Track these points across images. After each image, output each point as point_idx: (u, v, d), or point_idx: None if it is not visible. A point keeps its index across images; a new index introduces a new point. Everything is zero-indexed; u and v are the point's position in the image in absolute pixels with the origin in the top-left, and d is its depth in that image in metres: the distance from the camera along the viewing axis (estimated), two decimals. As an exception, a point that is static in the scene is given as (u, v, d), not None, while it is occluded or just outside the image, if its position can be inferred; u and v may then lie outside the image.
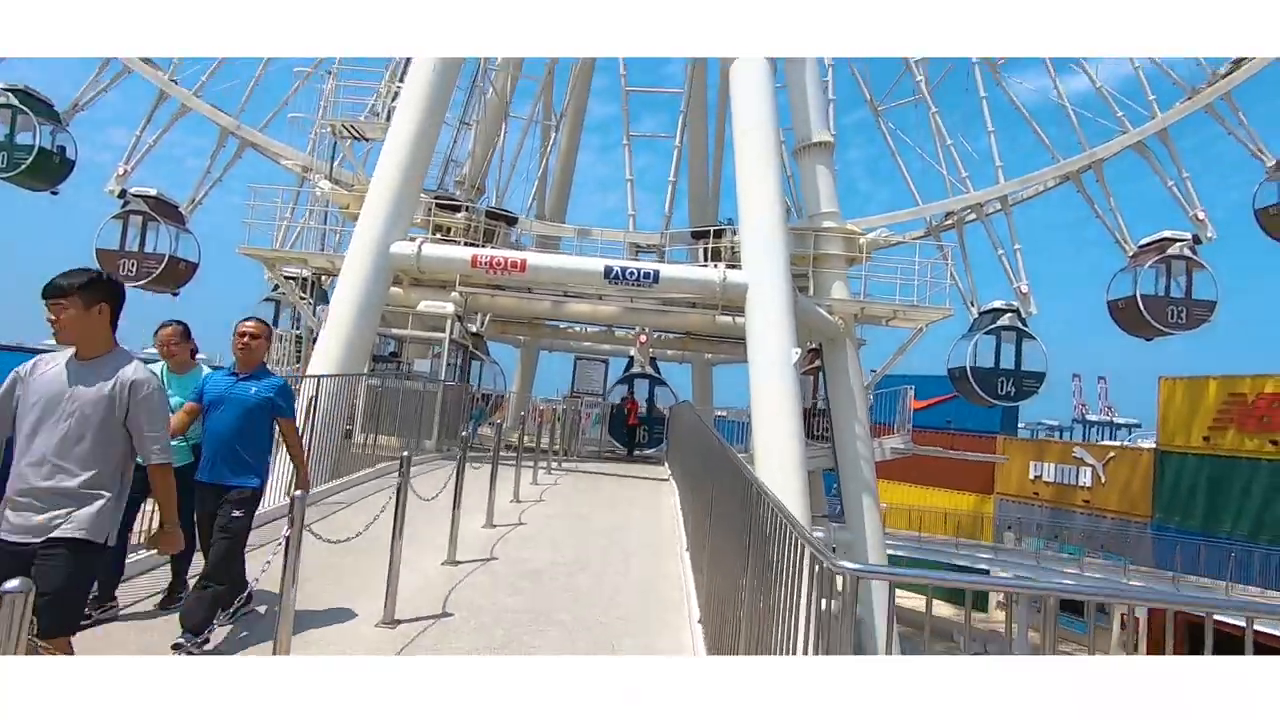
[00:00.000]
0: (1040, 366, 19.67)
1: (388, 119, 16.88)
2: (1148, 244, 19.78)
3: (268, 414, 4.49)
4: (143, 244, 21.84)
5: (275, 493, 6.91)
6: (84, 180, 24.30)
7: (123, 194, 21.81)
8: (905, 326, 18.35)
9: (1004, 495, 37.87)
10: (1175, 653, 2.28)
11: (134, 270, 21.62)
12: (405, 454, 5.28)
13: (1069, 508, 34.95)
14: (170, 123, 22.43)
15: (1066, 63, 21.41)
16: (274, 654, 3.60)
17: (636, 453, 19.45)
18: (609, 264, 15.82)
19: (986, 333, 19.70)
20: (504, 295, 17.68)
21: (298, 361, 19.68)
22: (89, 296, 2.85)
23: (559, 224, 23.54)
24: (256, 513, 4.62)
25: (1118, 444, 44.42)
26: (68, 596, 2.71)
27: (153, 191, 21.98)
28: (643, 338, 18.15)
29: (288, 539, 3.53)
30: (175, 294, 22.79)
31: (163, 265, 21.64)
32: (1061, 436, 59.34)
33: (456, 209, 18.69)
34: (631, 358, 20.18)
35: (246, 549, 4.59)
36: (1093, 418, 71.90)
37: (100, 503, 2.83)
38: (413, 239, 16.04)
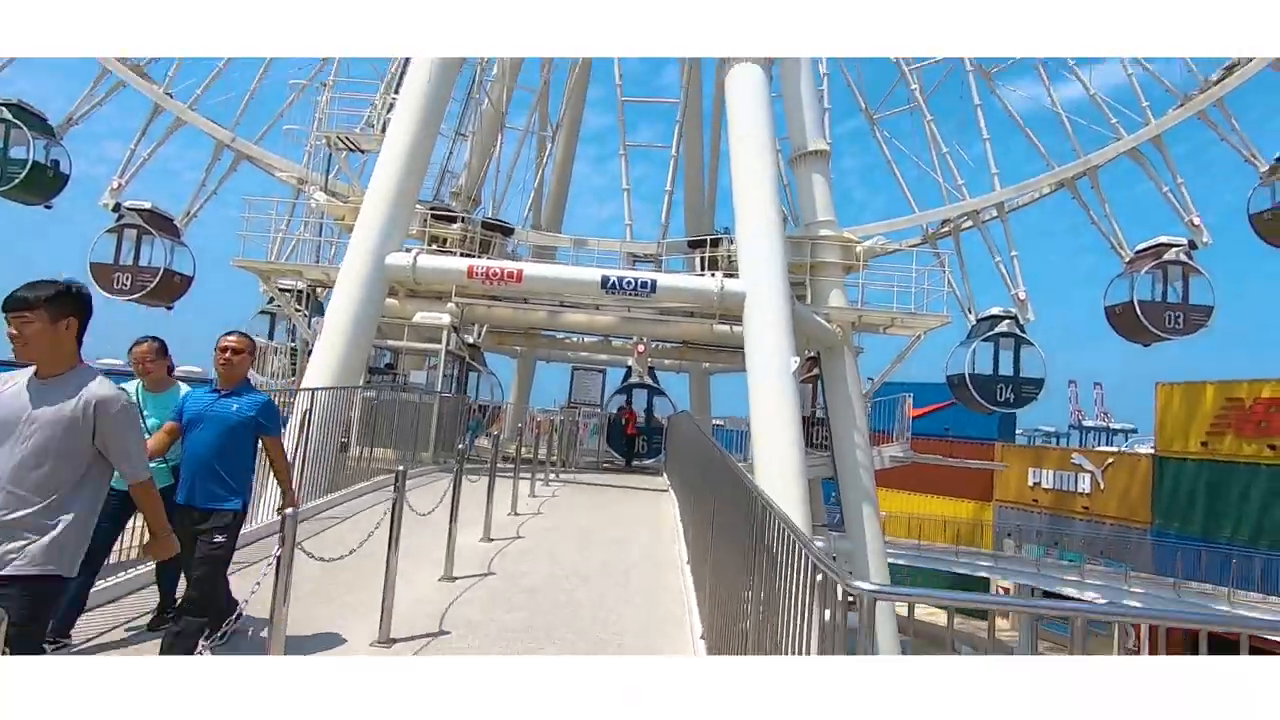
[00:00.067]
0: (1039, 373, 19.66)
1: (383, 131, 16.85)
2: (1144, 250, 19.82)
3: (251, 433, 4.23)
4: (137, 257, 21.73)
5: (266, 510, 6.80)
6: (79, 194, 24.30)
7: (117, 207, 21.73)
8: (903, 334, 18.31)
9: (1003, 502, 37.79)
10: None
11: (128, 284, 21.52)
12: (401, 468, 5.18)
13: (1068, 514, 34.87)
14: (165, 136, 22.40)
15: (1060, 70, 21.54)
16: (265, 677, 3.49)
17: (635, 463, 19.32)
18: (606, 274, 15.76)
19: (985, 339, 19.69)
20: (500, 306, 17.62)
21: (293, 374, 19.56)
22: (56, 310, 2.66)
23: (555, 234, 23.52)
24: (242, 533, 4.49)
25: (1114, 450, 44.41)
26: (20, 636, 2.47)
27: (147, 205, 21.90)
28: (640, 347, 18.08)
29: (279, 558, 3.42)
30: (170, 308, 22.68)
31: (157, 279, 21.53)
32: (1058, 443, 59.37)
33: (452, 220, 18.65)
34: (629, 367, 20.10)
35: (235, 569, 4.46)
36: (1089, 423, 72.10)
37: (58, 531, 2.61)
38: (408, 250, 15.97)
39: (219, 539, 4.01)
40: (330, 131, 18.41)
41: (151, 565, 4.81)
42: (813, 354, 18.69)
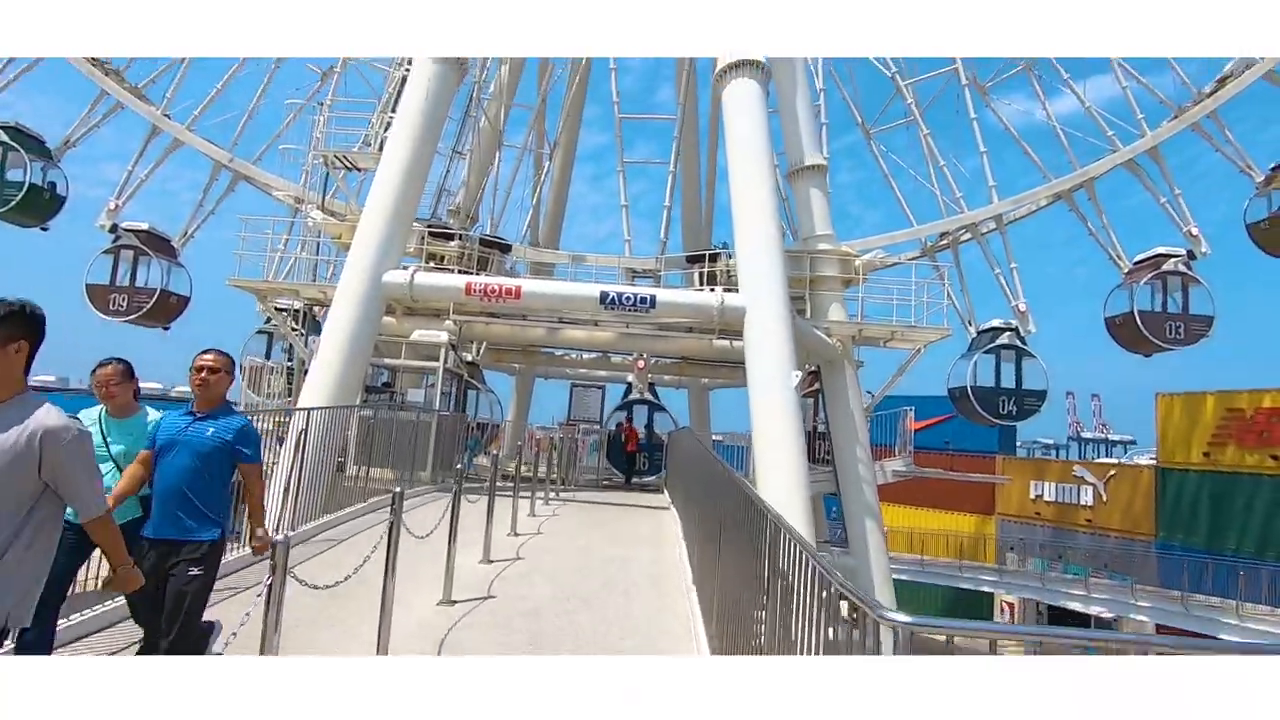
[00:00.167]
0: (1041, 385, 19.55)
1: (380, 149, 16.85)
2: (1142, 260, 19.81)
3: (227, 458, 3.88)
4: (134, 279, 21.65)
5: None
6: (76, 216, 24.22)
7: (114, 229, 21.69)
8: (903, 347, 18.22)
9: (1005, 516, 37.53)
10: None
11: (125, 305, 21.42)
12: (398, 490, 5.04)
13: (1071, 527, 34.62)
14: (163, 157, 22.43)
15: (1054, 84, 21.68)
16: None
17: (635, 480, 19.14)
18: (605, 289, 15.68)
19: (986, 352, 19.60)
20: (498, 323, 17.51)
21: (290, 394, 19.40)
22: (6, 332, 2.45)
23: (553, 250, 23.50)
24: (235, 557, 4.33)
25: (1114, 461, 44.24)
26: None
27: (144, 225, 21.86)
28: (640, 363, 17.97)
29: (270, 587, 3.28)
30: (166, 328, 22.57)
31: (154, 300, 21.43)
32: (1057, 455, 59.24)
33: (450, 237, 18.60)
34: (629, 383, 19.98)
35: (226, 596, 4.30)
36: (1088, 435, 72.02)
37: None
38: (406, 268, 15.90)
39: (195, 571, 3.68)
40: (327, 151, 18.41)
41: (121, 599, 4.53)
42: (813, 368, 18.58)
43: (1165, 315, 19.31)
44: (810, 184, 18.13)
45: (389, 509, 4.97)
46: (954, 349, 20.45)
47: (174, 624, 3.61)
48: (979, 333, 20.13)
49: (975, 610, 35.21)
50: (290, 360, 21.15)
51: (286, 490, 7.68)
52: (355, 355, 14.58)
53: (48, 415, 2.50)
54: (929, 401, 27.48)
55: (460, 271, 17.35)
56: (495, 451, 16.33)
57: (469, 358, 19.00)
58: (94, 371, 4.29)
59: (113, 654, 4.52)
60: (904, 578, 30.14)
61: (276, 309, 19.40)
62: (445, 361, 15.91)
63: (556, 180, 27.09)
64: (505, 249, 20.13)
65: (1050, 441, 64.34)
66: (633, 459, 19.12)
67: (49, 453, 2.46)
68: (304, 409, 9.13)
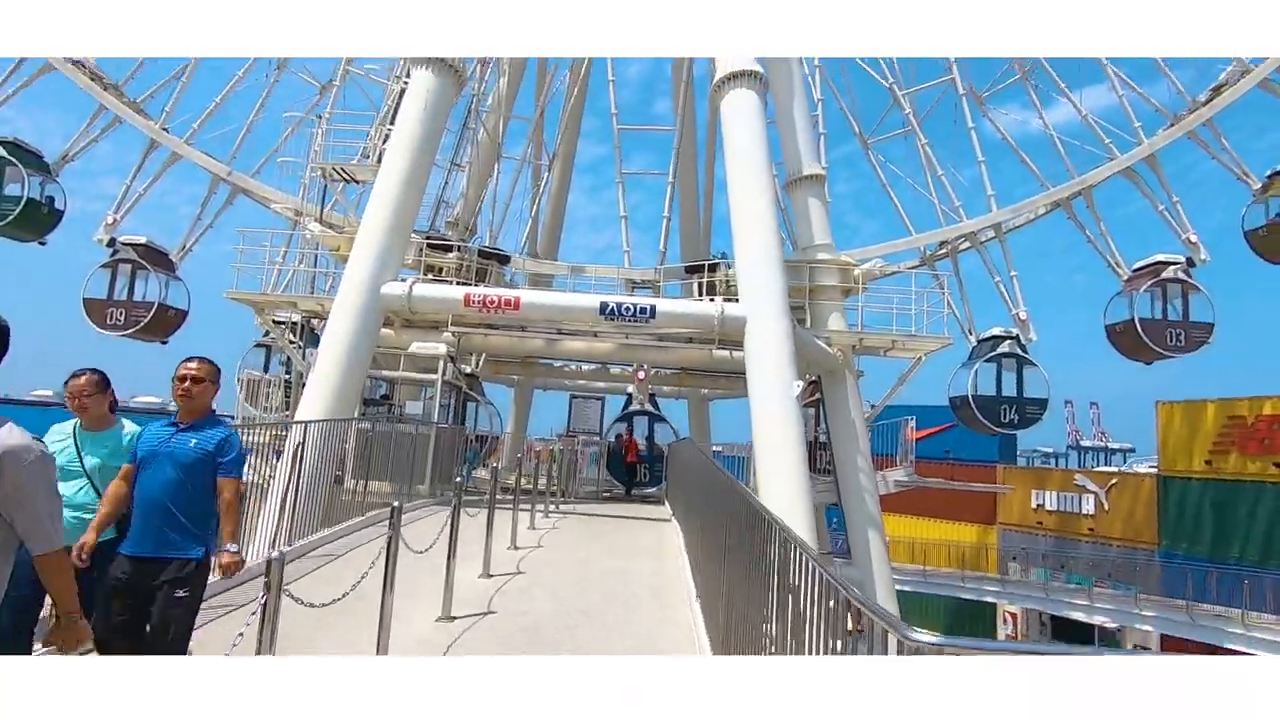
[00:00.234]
0: (1043, 393, 19.48)
1: (378, 162, 16.83)
2: (1141, 268, 19.80)
3: (211, 471, 3.69)
4: (131, 292, 21.59)
5: (257, 549, 6.54)
6: (75, 230, 24.19)
7: (112, 242, 21.65)
8: (904, 357, 18.15)
9: (1007, 525, 37.35)
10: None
11: (122, 319, 21.35)
12: (396, 504, 4.95)
13: (1073, 536, 34.46)
14: (161, 170, 22.41)
15: (1050, 93, 21.77)
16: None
17: (635, 492, 19.00)
18: (604, 300, 15.61)
19: (987, 360, 19.53)
20: (497, 334, 17.43)
21: (287, 407, 19.29)
22: None
23: (552, 262, 23.47)
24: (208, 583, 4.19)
25: (1113, 469, 44.12)
26: None
27: (142, 239, 21.83)
28: (641, 374, 17.87)
29: (265, 605, 3.18)
30: (164, 342, 22.47)
31: (151, 313, 21.37)
32: (1056, 463, 59.14)
33: (448, 249, 18.56)
34: (629, 395, 19.88)
35: (220, 614, 4.19)
36: (1087, 443, 72.00)
37: None
38: (404, 280, 15.84)
39: (180, 594, 3.47)
40: (325, 163, 18.39)
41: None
42: (813, 378, 18.50)
43: (1166, 322, 19.27)
44: (809, 194, 18.13)
45: (387, 523, 4.88)
46: (954, 358, 20.42)
47: (158, 652, 3.42)
48: (979, 341, 20.07)
49: (978, 621, 34.99)
50: (288, 373, 21.05)
51: (283, 505, 7.57)
52: (353, 368, 14.48)
53: (9, 434, 2.31)
54: (929, 411, 27.38)
55: (459, 283, 17.29)
56: (495, 464, 16.21)
57: (468, 369, 18.91)
58: (66, 383, 4.09)
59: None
60: (906, 588, 29.95)
61: (275, 322, 19.32)
62: (444, 373, 15.82)
63: (555, 192, 27.12)
64: (504, 260, 20.10)
65: (1050, 450, 64.32)
66: (633, 470, 18.99)
67: (9, 473, 2.26)
68: (301, 422, 9.03)
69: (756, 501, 4.21)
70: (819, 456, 18.85)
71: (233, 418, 20.88)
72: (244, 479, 3.91)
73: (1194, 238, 19.41)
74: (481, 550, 7.80)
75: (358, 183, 18.96)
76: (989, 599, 32.61)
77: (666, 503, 16.17)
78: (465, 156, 21.66)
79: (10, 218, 21.26)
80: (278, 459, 8.97)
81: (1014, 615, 34.13)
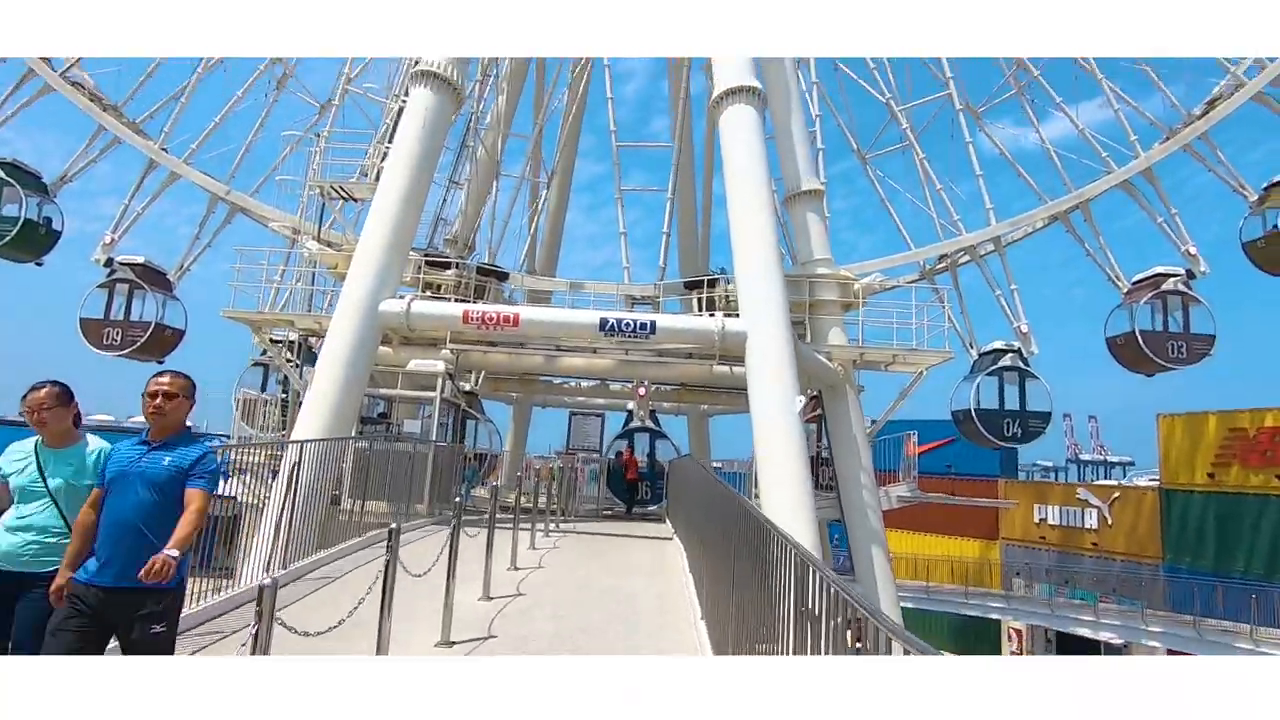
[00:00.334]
0: (1045, 406, 19.36)
1: (376, 179, 16.82)
2: (1141, 280, 19.80)
3: (185, 491, 3.41)
4: (128, 312, 21.50)
5: (252, 572, 6.39)
6: (73, 250, 24.15)
7: (109, 262, 21.59)
8: (905, 371, 18.04)
9: (1009, 540, 37.07)
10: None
11: (118, 339, 21.25)
12: (394, 526, 4.81)
13: (1077, 551, 34.20)
14: (159, 190, 22.41)
15: (1046, 106, 21.89)
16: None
17: (636, 509, 18.80)
18: (604, 316, 15.52)
19: (989, 374, 19.44)
20: (496, 351, 17.33)
21: (284, 426, 19.13)
22: None
23: (551, 278, 23.44)
24: (226, 596, 4.07)
25: (1114, 483, 43.91)
26: None
27: (140, 259, 21.78)
28: (642, 390, 17.75)
29: (255, 634, 3.04)
30: (161, 361, 22.33)
31: (148, 333, 21.27)
32: (1056, 477, 58.88)
33: (447, 266, 18.51)
34: (630, 411, 19.74)
35: (209, 643, 4.03)
36: (1086, 457, 71.79)
37: None
38: (402, 297, 15.76)
39: (157, 629, 3.22)
40: (323, 181, 18.38)
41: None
42: (814, 393, 18.39)
43: (1167, 334, 19.22)
44: (807, 209, 18.13)
45: (385, 544, 4.74)
46: (954, 372, 20.32)
47: None
48: (981, 355, 19.99)
49: (983, 638, 34.60)
50: (285, 392, 20.91)
51: (278, 527, 7.41)
52: (351, 386, 14.35)
53: None
54: (930, 425, 27.25)
55: (457, 300, 17.22)
56: (494, 482, 16.03)
57: (466, 387, 18.78)
58: (24, 397, 3.76)
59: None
60: (909, 605, 29.65)
61: (272, 341, 19.21)
62: (442, 391, 15.69)
63: (553, 209, 27.17)
64: (502, 277, 20.05)
65: (1049, 464, 64.06)
66: (634, 488, 18.80)
67: None
68: (297, 441, 8.89)
69: (766, 519, 4.09)
70: (821, 472, 18.69)
71: (228, 436, 20.71)
72: (215, 493, 3.62)
73: (1193, 250, 19.43)
74: (481, 571, 7.64)
75: (356, 201, 18.96)
76: (993, 615, 32.29)
77: (668, 520, 15.98)
78: (464, 174, 21.70)
79: (7, 238, 21.21)
80: (274, 479, 8.82)
81: (1019, 632, 33.76)
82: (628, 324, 15.23)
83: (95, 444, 3.82)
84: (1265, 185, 19.85)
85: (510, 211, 24.75)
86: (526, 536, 10.93)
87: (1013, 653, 33.99)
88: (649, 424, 19.21)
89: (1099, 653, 29.08)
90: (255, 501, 9.54)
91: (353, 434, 13.72)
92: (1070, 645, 30.41)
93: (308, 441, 8.83)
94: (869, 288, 18.03)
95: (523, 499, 13.16)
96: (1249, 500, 27.82)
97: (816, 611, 2.62)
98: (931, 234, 20.96)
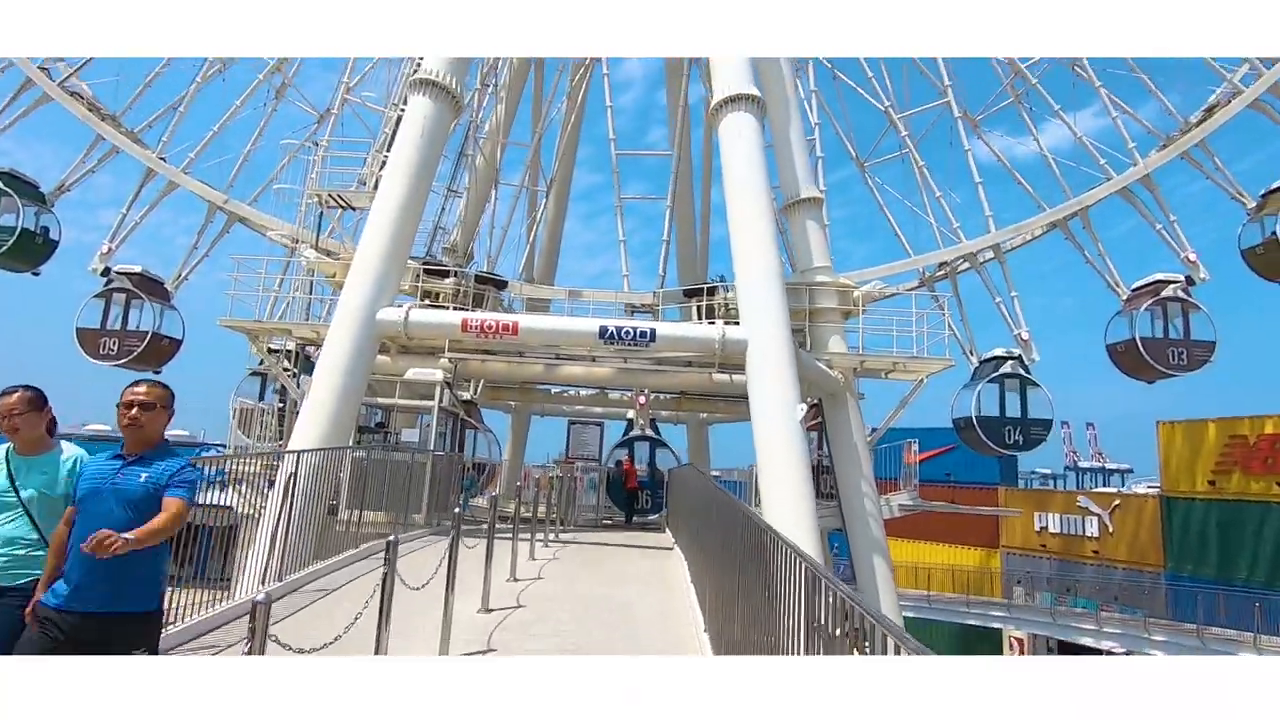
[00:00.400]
0: (1047, 414, 19.28)
1: (374, 189, 16.77)
2: (1141, 287, 19.78)
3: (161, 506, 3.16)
4: (125, 322, 21.39)
5: (248, 585, 6.27)
6: (70, 260, 24.08)
7: (106, 272, 21.51)
8: (905, 379, 17.97)
9: (1010, 548, 36.92)
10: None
11: (115, 349, 21.13)
12: (392, 538, 4.71)
13: (1078, 559, 34.06)
14: (157, 199, 22.36)
15: (1044, 114, 21.94)
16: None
17: (636, 519, 18.66)
18: (604, 324, 15.46)
19: (990, 381, 19.37)
20: (494, 360, 17.24)
21: (281, 436, 19.00)
22: None
23: (550, 286, 23.39)
24: (219, 610, 3.96)
25: (1112, 490, 43.81)
26: None
27: (137, 268, 21.69)
28: (641, 399, 17.66)
29: (248, 653, 2.94)
30: (158, 371, 22.22)
31: (145, 343, 21.15)
32: (1055, 485, 58.75)
33: (445, 274, 18.44)
34: (630, 420, 19.64)
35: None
36: (1084, 465, 71.67)
37: None
38: (400, 306, 15.68)
39: (136, 655, 3.01)
40: (322, 190, 18.34)
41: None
42: (814, 401, 18.31)
43: (1168, 341, 19.19)
44: (806, 216, 18.10)
45: (382, 556, 4.65)
46: (953, 380, 20.26)
47: None
48: (981, 362, 19.94)
49: (984, 647, 34.38)
50: (282, 402, 20.79)
51: (274, 539, 7.30)
52: (348, 395, 14.26)
53: None
54: (930, 433, 27.16)
55: (455, 308, 17.14)
56: (493, 492, 15.90)
57: (465, 396, 18.67)
58: None
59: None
60: (910, 614, 29.48)
61: (269, 350, 19.12)
62: (440, 400, 15.59)
63: (551, 217, 27.16)
64: (501, 285, 19.99)
65: (1048, 471, 63.90)
66: (634, 497, 18.67)
67: None
68: (293, 451, 8.78)
69: (771, 529, 4.00)
70: (822, 481, 18.58)
71: (225, 446, 20.58)
72: (194, 504, 3.40)
73: (1193, 256, 19.42)
74: (480, 583, 7.52)
75: (354, 209, 18.92)
76: (995, 624, 32.10)
77: (667, 530, 15.86)
78: (462, 182, 21.68)
79: (4, 248, 21.14)
80: (271, 489, 8.72)
81: (1020, 641, 33.57)
82: (628, 332, 15.17)
83: (70, 451, 3.65)
84: (1263, 192, 19.88)
85: (509, 220, 24.76)
86: (526, 547, 10.82)
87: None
88: (649, 432, 19.11)
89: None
90: (252, 512, 9.43)
91: (350, 444, 13.61)
92: (1072, 654, 30.23)
93: (305, 451, 8.73)
94: (869, 295, 18.00)
95: (522, 509, 13.05)
96: (1250, 507, 27.74)
97: (829, 626, 2.54)
98: (929, 242, 20.97)
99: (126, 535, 2.88)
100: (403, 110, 16.87)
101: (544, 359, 17.28)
